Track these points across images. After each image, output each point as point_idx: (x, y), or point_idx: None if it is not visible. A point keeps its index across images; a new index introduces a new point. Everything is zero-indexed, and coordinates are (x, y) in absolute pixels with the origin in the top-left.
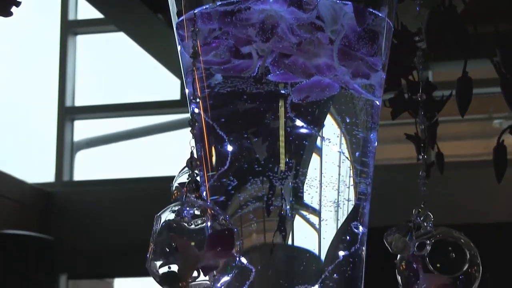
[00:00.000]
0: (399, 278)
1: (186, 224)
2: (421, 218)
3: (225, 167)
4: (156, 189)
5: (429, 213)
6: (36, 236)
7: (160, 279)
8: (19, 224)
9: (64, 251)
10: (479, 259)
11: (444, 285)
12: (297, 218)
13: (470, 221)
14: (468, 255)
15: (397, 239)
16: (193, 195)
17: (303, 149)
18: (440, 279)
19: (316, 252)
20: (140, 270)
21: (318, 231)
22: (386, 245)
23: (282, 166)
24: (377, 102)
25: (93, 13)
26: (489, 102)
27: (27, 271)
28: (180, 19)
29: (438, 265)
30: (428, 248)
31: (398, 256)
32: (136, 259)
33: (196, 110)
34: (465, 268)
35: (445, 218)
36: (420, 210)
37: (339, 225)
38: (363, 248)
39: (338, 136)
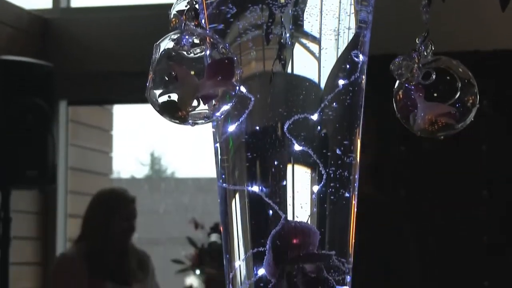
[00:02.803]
0: (395, 107)
1: (185, 53)
2: (423, 47)
3: None
4: (155, 16)
5: (430, 41)
6: (35, 63)
7: (160, 108)
8: (18, 51)
9: (63, 78)
10: (476, 88)
11: (443, 114)
12: (297, 46)
13: (470, 48)
14: (466, 84)
15: (403, 66)
16: (192, 23)
17: None
18: (440, 108)
19: (316, 80)
20: (139, 96)
21: (318, 59)
22: (391, 72)
23: None
24: None
25: None
26: None
27: (27, 97)
28: None
29: (436, 94)
30: (433, 77)
31: (396, 85)
32: (136, 85)
33: None
34: (462, 97)
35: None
36: (423, 38)
37: (339, 53)
38: (363, 77)
39: None
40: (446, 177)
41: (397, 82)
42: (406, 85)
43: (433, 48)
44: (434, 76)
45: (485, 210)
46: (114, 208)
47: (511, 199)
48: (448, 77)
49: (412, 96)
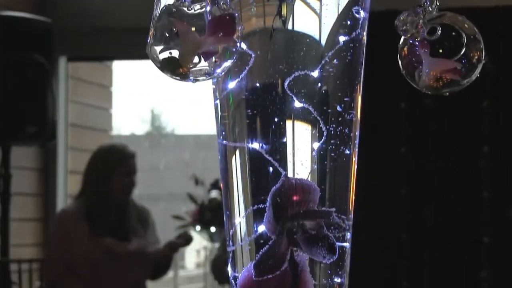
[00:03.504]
0: (400, 63)
1: (186, 9)
2: (428, 2)
3: None
4: None
5: None
6: (35, 19)
7: (161, 64)
8: (17, 7)
9: (63, 34)
10: (482, 43)
11: (449, 70)
12: (298, 2)
13: (472, 4)
14: (472, 39)
15: (408, 22)
16: None
17: None
18: (446, 64)
19: (317, 37)
20: (140, 53)
21: (319, 15)
22: (396, 28)
23: None
24: None
25: None
26: None
27: (26, 54)
28: None
29: (441, 50)
30: (439, 33)
31: (401, 41)
32: (136, 41)
33: None
34: (467, 53)
35: (450, 2)
36: None
37: (340, 9)
38: (364, 33)
39: None
40: (446, 134)
41: (402, 38)
42: (411, 41)
43: (438, 4)
44: (439, 32)
45: (486, 165)
46: (113, 163)
47: (511, 156)
48: (453, 33)
49: (417, 52)
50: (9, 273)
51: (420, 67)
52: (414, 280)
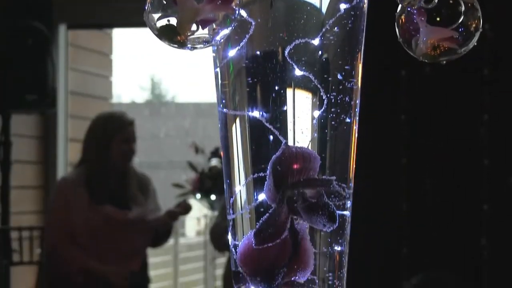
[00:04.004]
0: (397, 31)
1: None
2: None
3: None
4: None
5: None
6: None
7: (158, 32)
8: None
9: (62, 1)
10: (480, 12)
11: (446, 39)
12: None
13: None
14: (469, 8)
15: None
16: None
17: None
18: (443, 33)
19: (317, 4)
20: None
21: None
22: None
23: None
24: None
25: None
26: None
27: (26, 21)
28: None
29: (439, 18)
30: (436, 1)
31: (398, 9)
32: (136, 9)
33: None
34: (465, 21)
35: None
36: None
37: None
38: (365, 0)
39: None
40: (446, 102)
41: (400, 6)
42: (409, 9)
43: None
44: (436, 0)
45: (486, 133)
46: (112, 130)
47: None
48: (451, 1)
49: (415, 21)
50: (10, 241)
51: (418, 35)
52: (413, 248)
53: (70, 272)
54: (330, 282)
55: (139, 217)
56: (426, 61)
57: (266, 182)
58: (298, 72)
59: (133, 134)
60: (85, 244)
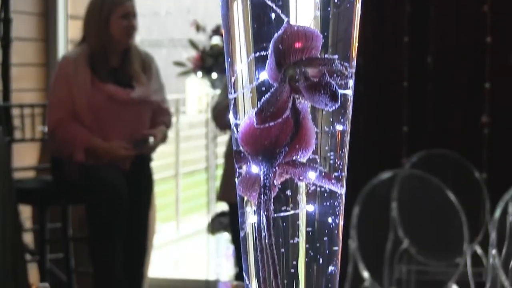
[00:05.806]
0: None
1: None
2: None
3: None
4: None
5: None
6: None
7: None
8: None
9: None
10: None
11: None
12: None
13: None
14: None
15: None
16: None
17: None
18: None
19: None
20: None
21: None
22: None
23: None
24: None
25: None
26: None
27: None
28: None
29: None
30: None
31: None
32: None
33: None
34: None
35: None
36: None
37: None
38: None
39: None
40: (448, 24)
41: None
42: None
43: None
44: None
45: (489, 10)
46: (110, 5)
47: None
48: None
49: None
50: (11, 118)
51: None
52: (414, 126)
53: (72, 149)
54: (331, 161)
55: (142, 96)
56: None
57: (267, 61)
58: None
59: (132, 9)
60: (88, 123)
